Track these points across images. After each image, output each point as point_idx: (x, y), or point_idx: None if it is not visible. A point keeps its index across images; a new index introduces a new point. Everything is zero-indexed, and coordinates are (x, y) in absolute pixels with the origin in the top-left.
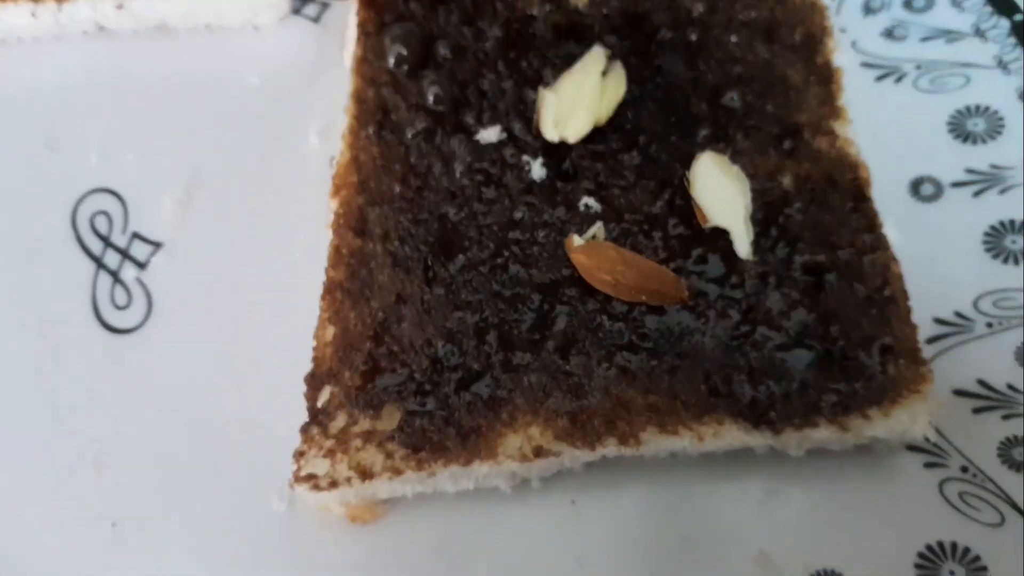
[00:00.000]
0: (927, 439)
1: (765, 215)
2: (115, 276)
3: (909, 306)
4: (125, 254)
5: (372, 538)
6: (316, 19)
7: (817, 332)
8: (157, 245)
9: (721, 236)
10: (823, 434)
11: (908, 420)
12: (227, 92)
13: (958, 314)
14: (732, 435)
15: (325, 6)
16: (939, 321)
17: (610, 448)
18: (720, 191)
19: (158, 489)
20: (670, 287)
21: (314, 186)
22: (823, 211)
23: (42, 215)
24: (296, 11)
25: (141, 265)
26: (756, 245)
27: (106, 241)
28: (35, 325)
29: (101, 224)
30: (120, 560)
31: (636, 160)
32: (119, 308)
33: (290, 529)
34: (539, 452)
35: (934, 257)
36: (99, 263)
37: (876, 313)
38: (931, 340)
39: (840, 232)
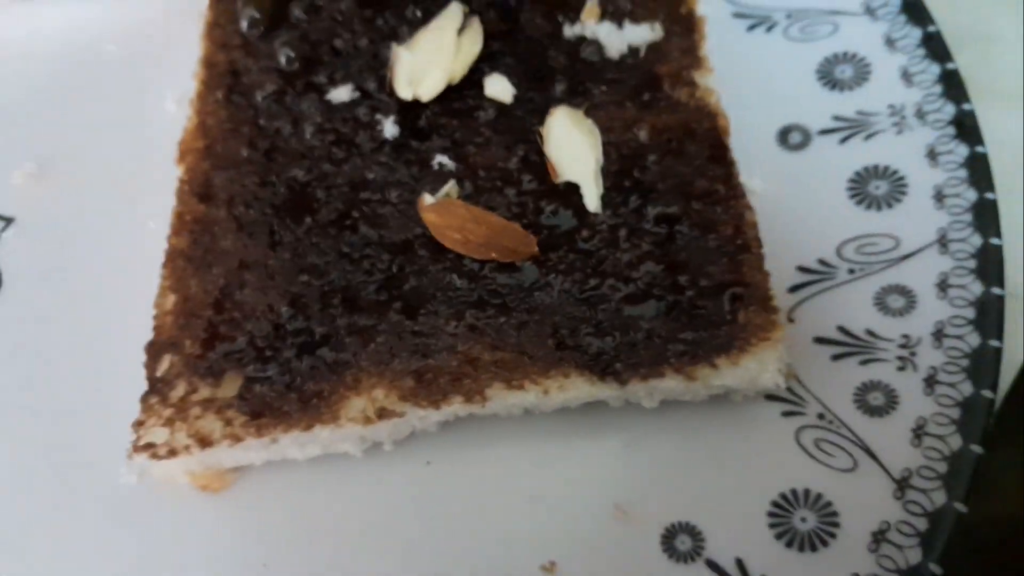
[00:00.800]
0: (785, 387)
1: (620, 168)
2: None
3: (762, 253)
4: None
5: (222, 507)
6: None
7: (666, 282)
8: (8, 220)
9: (574, 191)
10: (671, 384)
11: (757, 369)
12: (83, 60)
13: (821, 261)
14: (578, 388)
15: None
16: (802, 269)
17: (456, 406)
18: (572, 146)
19: (4, 466)
20: (519, 243)
21: (169, 154)
22: (679, 162)
23: None
24: None
25: None
26: (608, 198)
27: None
28: None
29: None
30: None
31: (491, 116)
32: None
33: (139, 501)
34: (383, 414)
35: (800, 205)
36: None
37: (728, 262)
38: (794, 288)
39: (695, 183)
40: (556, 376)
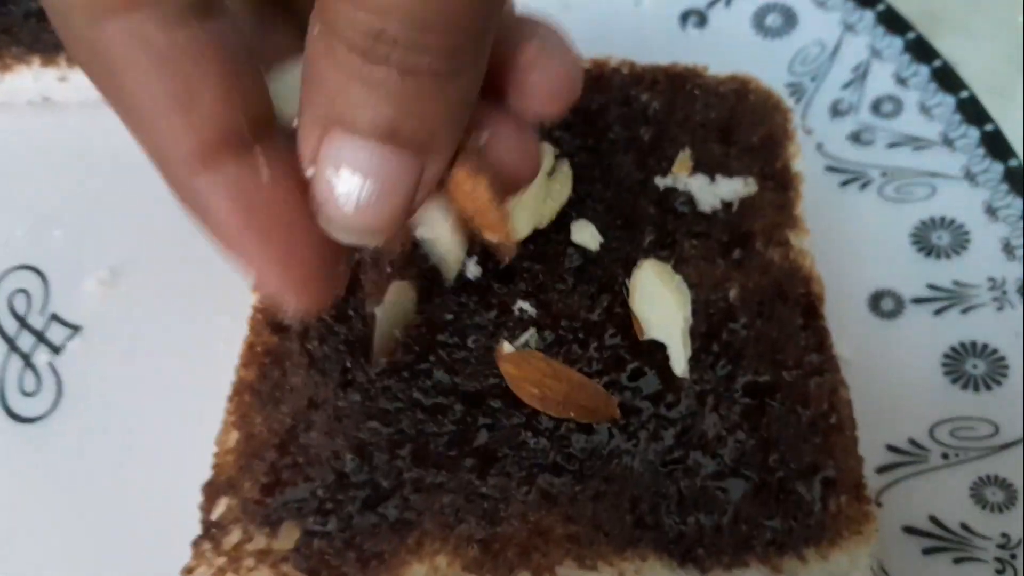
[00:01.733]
0: None
1: (708, 329)
2: (27, 360)
3: (856, 436)
4: (40, 337)
5: None
6: None
7: (755, 460)
8: (76, 328)
9: (659, 350)
10: (754, 575)
11: (848, 564)
12: None
13: (912, 442)
14: (656, 573)
15: None
16: (892, 449)
17: None
18: (659, 302)
19: None
20: (600, 403)
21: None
22: (770, 327)
23: None
24: None
25: (56, 349)
26: (696, 361)
27: (22, 322)
28: None
29: (19, 303)
30: None
31: (576, 263)
32: (26, 395)
33: None
34: None
35: (890, 378)
36: (12, 345)
37: (819, 442)
38: (882, 469)
39: (787, 351)
40: (632, 558)
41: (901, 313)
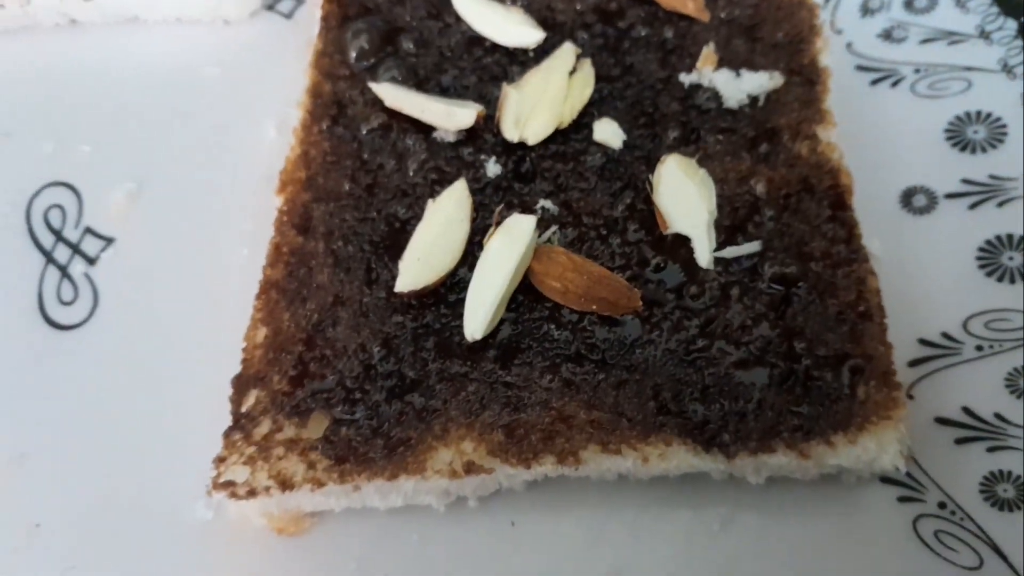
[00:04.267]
0: (902, 470)
1: (733, 222)
2: (64, 271)
3: (885, 324)
4: (76, 249)
5: (296, 552)
6: (288, 15)
7: (780, 348)
8: (109, 240)
9: (683, 244)
10: (781, 461)
11: (876, 449)
12: (189, 85)
13: (945, 335)
14: (680, 458)
15: (299, 1)
16: (924, 342)
17: (547, 466)
18: (683, 195)
19: (84, 491)
20: (622, 296)
21: (270, 182)
22: (797, 219)
23: None
24: (269, 6)
25: (91, 260)
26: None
27: (58, 235)
28: None
29: (55, 218)
30: (40, 562)
31: (599, 161)
32: (64, 304)
33: (213, 539)
34: (470, 468)
35: (923, 273)
36: (49, 257)
37: (847, 330)
38: (914, 363)
39: (814, 242)
40: (656, 443)
41: (934, 208)
